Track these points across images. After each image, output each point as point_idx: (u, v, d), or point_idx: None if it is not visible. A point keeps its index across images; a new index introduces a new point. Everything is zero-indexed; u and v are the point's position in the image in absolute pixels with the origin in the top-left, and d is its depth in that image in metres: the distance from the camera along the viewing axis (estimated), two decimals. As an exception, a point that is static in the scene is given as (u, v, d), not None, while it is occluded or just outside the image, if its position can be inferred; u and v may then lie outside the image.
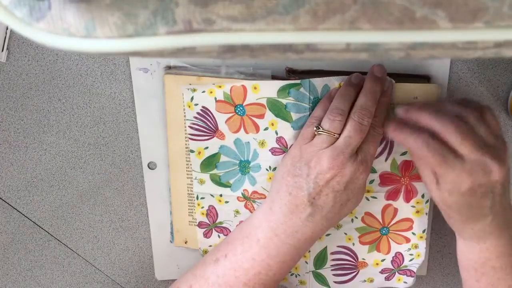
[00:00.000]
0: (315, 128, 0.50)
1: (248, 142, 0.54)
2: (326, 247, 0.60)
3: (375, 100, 0.50)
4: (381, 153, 0.54)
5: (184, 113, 0.55)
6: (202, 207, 0.59)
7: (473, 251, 0.53)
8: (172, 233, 0.62)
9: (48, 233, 0.63)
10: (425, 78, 0.54)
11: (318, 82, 0.51)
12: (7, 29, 0.52)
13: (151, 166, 0.59)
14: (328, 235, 0.59)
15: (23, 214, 0.62)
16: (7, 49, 0.53)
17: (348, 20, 0.24)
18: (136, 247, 0.64)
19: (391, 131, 0.50)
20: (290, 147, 0.53)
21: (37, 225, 0.62)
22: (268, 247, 0.51)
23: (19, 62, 0.54)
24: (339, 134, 0.49)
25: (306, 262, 0.60)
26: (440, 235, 0.64)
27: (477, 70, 0.56)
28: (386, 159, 0.54)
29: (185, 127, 0.56)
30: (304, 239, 0.51)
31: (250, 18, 0.24)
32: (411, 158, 0.54)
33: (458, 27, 0.24)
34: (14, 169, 0.59)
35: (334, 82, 0.51)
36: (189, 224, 0.61)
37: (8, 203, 0.61)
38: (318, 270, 0.61)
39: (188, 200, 0.60)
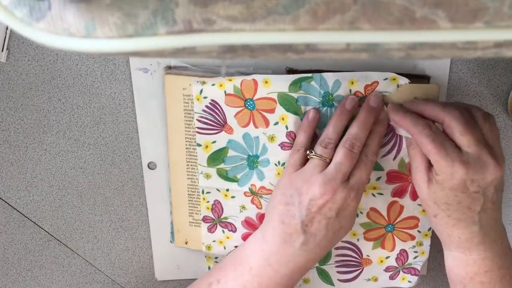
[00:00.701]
0: (308, 152, 0.51)
1: (257, 136, 0.54)
2: None
3: (368, 130, 0.50)
4: (389, 152, 0.54)
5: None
6: (208, 202, 0.59)
7: (460, 265, 0.52)
8: (172, 233, 0.62)
9: (48, 233, 0.63)
10: (425, 78, 0.54)
11: (330, 77, 0.51)
12: (7, 29, 0.52)
13: (151, 166, 0.59)
14: None
15: (23, 214, 0.62)
16: (7, 49, 0.53)
17: (348, 20, 0.24)
18: (136, 247, 0.64)
19: (394, 114, 0.51)
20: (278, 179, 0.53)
21: (37, 225, 0.62)
22: (261, 276, 0.51)
23: (19, 62, 0.54)
24: (330, 159, 0.50)
25: None
26: (440, 235, 0.64)
27: (477, 70, 0.56)
28: (394, 158, 0.55)
29: (186, 124, 0.56)
30: (298, 268, 0.51)
31: (250, 18, 0.24)
32: (408, 153, 0.53)
33: (458, 27, 0.24)
34: (14, 169, 0.59)
35: (345, 78, 0.51)
36: (189, 225, 0.61)
37: (8, 203, 0.61)
38: (322, 266, 0.61)
39: (189, 200, 0.60)
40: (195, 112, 0.55)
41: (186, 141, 0.57)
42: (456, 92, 0.57)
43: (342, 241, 0.59)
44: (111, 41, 0.25)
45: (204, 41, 0.25)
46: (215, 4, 0.24)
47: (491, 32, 0.24)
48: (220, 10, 0.24)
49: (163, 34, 0.25)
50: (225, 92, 0.53)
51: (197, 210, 0.60)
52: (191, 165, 0.58)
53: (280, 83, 0.52)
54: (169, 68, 0.54)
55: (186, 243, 0.62)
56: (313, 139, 0.53)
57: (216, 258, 0.62)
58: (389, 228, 0.59)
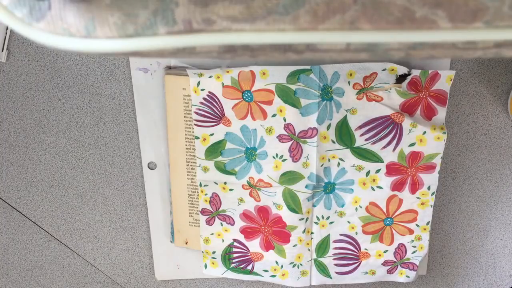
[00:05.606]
0: None
1: (255, 129, 0.55)
2: (329, 235, 0.60)
3: None
4: (389, 143, 0.54)
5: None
6: (206, 194, 0.59)
7: None
8: (172, 233, 0.62)
9: (48, 233, 0.63)
10: (425, 78, 0.54)
11: (329, 69, 0.51)
12: (7, 29, 0.52)
13: (151, 166, 0.59)
14: (331, 222, 0.59)
15: (23, 214, 0.62)
16: (7, 49, 0.53)
17: (348, 20, 0.24)
18: (136, 247, 0.64)
19: None
20: None
21: (37, 225, 0.62)
22: None
23: (19, 62, 0.54)
24: None
25: (309, 250, 0.60)
26: (440, 235, 0.64)
27: (477, 70, 0.56)
28: (394, 149, 0.55)
29: (186, 124, 0.56)
30: None
31: (250, 18, 0.24)
32: None
33: (458, 27, 0.24)
34: (14, 169, 0.59)
35: (344, 69, 0.51)
36: (189, 225, 0.61)
37: (8, 203, 0.61)
38: (320, 259, 0.61)
39: (189, 200, 0.60)
40: (193, 104, 0.55)
41: (186, 141, 0.57)
42: (456, 92, 0.57)
43: (340, 234, 0.60)
44: (111, 41, 0.25)
45: (204, 41, 0.25)
46: (215, 4, 0.24)
47: (491, 32, 0.24)
48: (220, 10, 0.24)
49: (163, 34, 0.25)
50: (222, 84, 0.53)
51: (197, 210, 0.60)
52: (191, 165, 0.58)
53: (278, 74, 0.52)
54: (169, 68, 0.54)
55: (186, 243, 0.62)
56: (313, 135, 0.53)
57: (213, 253, 0.62)
58: (387, 222, 0.59)
